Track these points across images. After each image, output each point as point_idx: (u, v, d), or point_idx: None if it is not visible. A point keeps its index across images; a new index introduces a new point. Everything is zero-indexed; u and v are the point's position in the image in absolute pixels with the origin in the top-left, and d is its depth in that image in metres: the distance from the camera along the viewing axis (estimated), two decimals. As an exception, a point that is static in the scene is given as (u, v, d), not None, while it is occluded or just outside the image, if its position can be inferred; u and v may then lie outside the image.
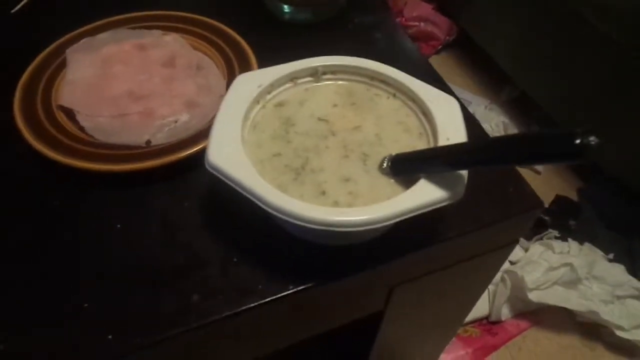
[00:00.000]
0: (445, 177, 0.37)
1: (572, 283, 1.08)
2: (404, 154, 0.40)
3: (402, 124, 0.44)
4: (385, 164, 0.40)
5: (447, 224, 0.46)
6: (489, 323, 1.13)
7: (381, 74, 0.46)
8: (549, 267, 1.09)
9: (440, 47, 1.83)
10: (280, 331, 0.47)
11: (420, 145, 0.43)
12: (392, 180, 0.40)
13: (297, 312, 0.44)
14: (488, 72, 1.73)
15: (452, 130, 0.41)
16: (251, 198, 0.36)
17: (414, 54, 0.66)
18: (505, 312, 1.12)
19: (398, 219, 0.36)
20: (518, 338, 1.11)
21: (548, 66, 1.46)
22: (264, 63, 0.55)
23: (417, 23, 1.79)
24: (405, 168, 0.39)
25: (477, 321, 1.13)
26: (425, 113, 0.44)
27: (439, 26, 1.81)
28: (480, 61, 1.74)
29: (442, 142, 0.40)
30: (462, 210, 0.43)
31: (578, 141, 0.27)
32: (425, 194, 0.37)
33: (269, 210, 0.35)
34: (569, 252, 1.16)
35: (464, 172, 0.38)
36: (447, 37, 1.84)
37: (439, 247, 0.45)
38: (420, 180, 0.37)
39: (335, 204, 0.38)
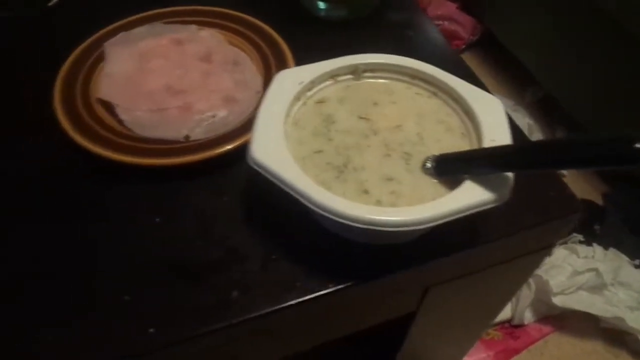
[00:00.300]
0: (491, 179, 0.37)
1: (597, 288, 1.07)
2: (448, 155, 0.39)
3: (444, 123, 0.44)
4: (428, 164, 0.40)
5: (487, 226, 0.45)
6: (511, 326, 1.12)
7: (422, 72, 0.46)
8: (573, 272, 1.07)
9: (463, 46, 1.82)
10: (313, 329, 0.47)
11: (463, 145, 0.42)
12: (435, 181, 0.40)
13: (333, 310, 0.44)
14: (512, 73, 1.72)
15: (497, 132, 0.40)
16: (295, 195, 0.36)
17: (447, 52, 0.65)
18: (528, 316, 1.11)
19: (443, 220, 0.35)
20: (540, 342, 1.10)
21: (573, 67, 1.44)
22: (299, 59, 0.55)
23: (441, 22, 1.78)
24: (449, 168, 0.39)
25: (500, 324, 1.12)
26: (468, 113, 0.43)
27: (463, 25, 1.80)
28: (504, 62, 1.72)
29: (487, 143, 0.40)
30: (502, 213, 0.42)
31: (638, 145, 0.27)
32: (471, 195, 0.36)
33: (314, 208, 0.35)
34: (593, 256, 1.15)
35: (510, 174, 0.37)
36: (471, 37, 1.82)
37: (478, 249, 0.45)
38: (465, 182, 0.37)
39: (378, 203, 0.38)
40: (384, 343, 0.65)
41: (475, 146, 0.41)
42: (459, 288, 0.52)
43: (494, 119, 0.42)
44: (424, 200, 0.38)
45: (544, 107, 1.63)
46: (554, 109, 1.57)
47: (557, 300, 1.06)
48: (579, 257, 1.14)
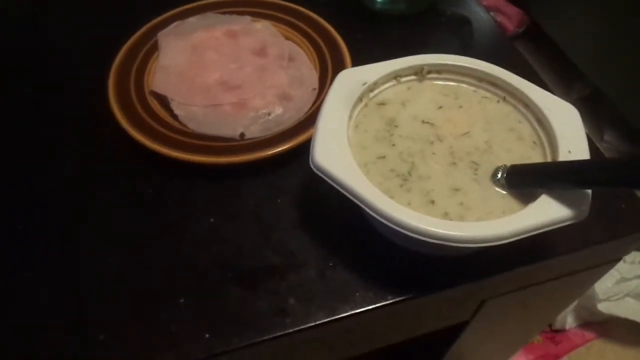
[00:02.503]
0: (567, 194, 0.35)
1: (645, 296, 1.03)
2: (522, 166, 0.37)
3: (514, 131, 0.42)
4: (499, 175, 0.38)
5: (551, 240, 0.43)
6: (552, 331, 1.09)
7: (491, 75, 0.44)
8: (620, 278, 1.03)
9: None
10: (367, 337, 0.46)
11: (535, 155, 0.40)
12: (505, 193, 0.38)
13: (389, 320, 0.43)
14: (558, 68, 1.65)
15: (573, 143, 0.38)
16: (361, 205, 0.34)
17: (510, 52, 0.62)
18: (569, 321, 1.07)
19: (520, 237, 0.33)
20: (582, 349, 1.07)
21: (627, 62, 1.38)
22: (354, 55, 0.53)
23: (486, 13, 1.72)
24: (522, 181, 0.37)
25: (540, 328, 1.10)
26: (540, 121, 0.41)
27: (509, 16, 1.74)
28: (550, 55, 1.66)
29: (563, 154, 0.37)
30: (568, 226, 0.40)
31: None
32: (548, 212, 0.34)
33: (382, 219, 0.34)
34: (640, 262, 1.11)
35: (589, 190, 0.35)
36: (517, 29, 1.77)
37: (540, 264, 0.43)
38: (541, 196, 0.35)
39: (446, 215, 0.36)
40: (432, 346, 0.63)
41: (548, 157, 0.39)
42: (514, 300, 0.50)
43: (570, 128, 0.39)
44: (493, 214, 0.36)
45: (590, 105, 1.56)
46: (601, 107, 1.51)
47: (602, 307, 1.02)
48: (624, 262, 1.10)
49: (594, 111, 1.56)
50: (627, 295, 1.03)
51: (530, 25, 1.76)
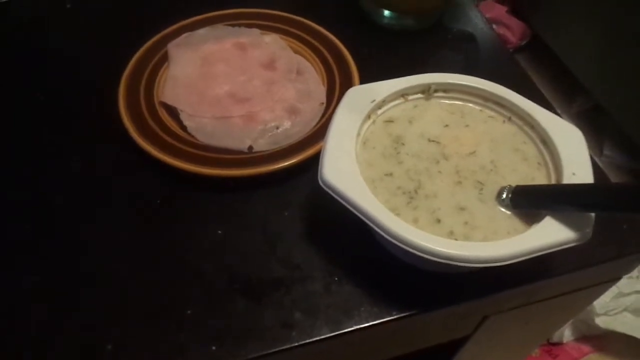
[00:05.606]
0: (571, 216, 0.35)
1: (643, 311, 1.04)
2: (527, 187, 0.38)
3: (519, 151, 0.42)
4: (504, 195, 0.38)
5: (554, 259, 0.43)
6: (549, 344, 1.09)
7: (497, 95, 0.44)
8: (618, 293, 1.04)
9: (511, 51, 1.78)
10: (370, 351, 0.46)
11: (539, 176, 0.40)
12: (509, 213, 0.38)
13: (393, 334, 0.43)
14: (559, 80, 1.66)
15: (578, 165, 0.39)
16: (369, 223, 0.35)
17: (514, 69, 0.63)
18: (567, 334, 1.08)
19: (525, 258, 0.34)
20: (579, 362, 1.08)
21: (630, 78, 1.39)
22: (361, 69, 0.54)
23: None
24: (527, 202, 0.37)
25: (537, 340, 1.10)
26: (545, 142, 0.42)
27: (512, 29, 1.76)
28: (553, 68, 1.67)
29: (567, 177, 0.38)
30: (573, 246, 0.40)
31: None
32: (552, 233, 0.35)
33: (389, 238, 0.34)
34: (638, 277, 1.11)
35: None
36: (519, 42, 1.78)
37: (543, 283, 0.43)
38: (545, 218, 0.35)
39: (451, 234, 0.37)
40: (432, 358, 0.64)
41: (552, 178, 0.40)
42: (516, 316, 0.50)
43: (574, 150, 0.40)
44: (498, 234, 0.37)
45: (590, 118, 1.57)
46: (601, 121, 1.52)
47: (600, 321, 1.03)
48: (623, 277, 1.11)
49: (594, 125, 1.57)
50: (625, 310, 1.04)
51: (532, 38, 1.78)
